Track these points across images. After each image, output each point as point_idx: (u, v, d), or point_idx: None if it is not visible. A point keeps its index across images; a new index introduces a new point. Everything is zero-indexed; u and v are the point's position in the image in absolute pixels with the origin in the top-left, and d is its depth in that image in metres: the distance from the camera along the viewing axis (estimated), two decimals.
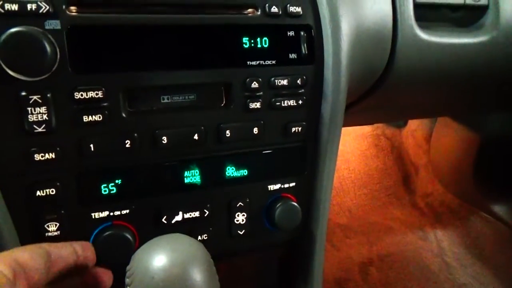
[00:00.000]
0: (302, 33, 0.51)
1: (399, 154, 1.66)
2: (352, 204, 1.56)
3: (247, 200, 0.54)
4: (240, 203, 0.53)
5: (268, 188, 0.55)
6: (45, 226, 0.45)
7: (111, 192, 0.47)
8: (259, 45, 0.50)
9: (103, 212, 0.47)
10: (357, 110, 0.72)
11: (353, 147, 1.67)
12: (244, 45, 0.49)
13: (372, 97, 0.67)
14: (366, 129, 1.70)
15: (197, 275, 0.36)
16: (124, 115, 0.45)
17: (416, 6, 0.61)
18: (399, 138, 1.66)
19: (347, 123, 0.63)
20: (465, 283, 1.23)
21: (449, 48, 0.64)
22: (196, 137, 0.48)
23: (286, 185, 0.56)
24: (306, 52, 0.52)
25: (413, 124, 1.57)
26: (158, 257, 0.36)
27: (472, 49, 0.66)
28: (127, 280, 0.37)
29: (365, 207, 1.57)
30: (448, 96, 0.79)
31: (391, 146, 1.68)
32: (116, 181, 0.48)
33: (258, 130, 0.51)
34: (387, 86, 0.65)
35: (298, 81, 0.52)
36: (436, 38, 0.63)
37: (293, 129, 0.53)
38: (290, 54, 0.51)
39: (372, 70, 0.61)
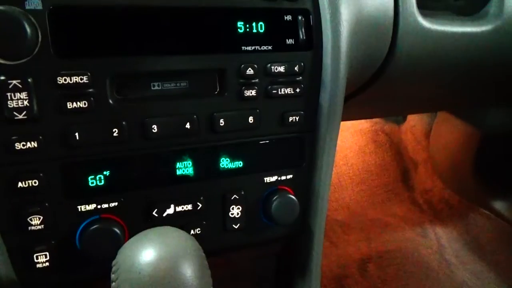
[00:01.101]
0: (299, 17, 0.49)
1: (398, 150, 1.64)
2: (351, 200, 1.55)
3: (242, 193, 0.51)
4: (235, 195, 0.51)
5: (264, 180, 0.53)
6: (28, 219, 0.42)
7: (99, 184, 0.45)
8: (254, 30, 0.47)
9: (90, 205, 0.45)
10: (356, 103, 0.70)
11: (352, 143, 1.65)
12: (239, 29, 0.47)
13: (371, 88, 0.64)
14: (364, 124, 1.68)
15: (188, 270, 0.34)
16: (111, 102, 0.43)
17: None
18: (398, 134, 1.64)
19: (345, 117, 0.60)
20: (464, 280, 1.22)
21: (452, 37, 0.62)
22: (188, 126, 0.46)
23: (283, 177, 0.53)
24: (304, 38, 0.49)
25: (412, 120, 1.55)
26: (145, 251, 0.34)
27: (475, 38, 0.64)
28: (112, 276, 0.34)
29: (363, 203, 1.55)
30: (448, 88, 0.77)
31: (390, 142, 1.66)
32: (104, 173, 0.45)
33: (253, 119, 0.49)
34: (388, 76, 0.62)
35: (295, 68, 0.49)
36: (438, 26, 0.61)
37: (290, 119, 0.51)
38: (287, 40, 0.49)
39: (372, 58, 0.58)
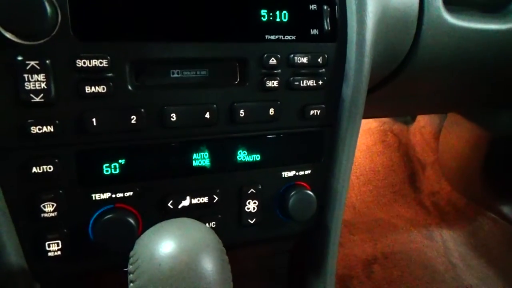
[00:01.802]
0: (325, 7, 0.47)
1: (406, 151, 1.63)
2: (357, 200, 1.53)
3: (259, 187, 0.50)
4: (251, 189, 0.50)
5: (282, 174, 0.51)
6: (41, 206, 0.41)
7: (114, 172, 0.44)
8: (278, 19, 0.46)
9: (105, 194, 0.43)
10: (374, 99, 0.68)
11: (359, 142, 1.63)
12: (262, 17, 0.45)
13: (391, 84, 0.63)
14: (373, 124, 1.67)
15: (208, 264, 0.32)
16: (130, 88, 0.42)
17: None
18: (407, 134, 1.63)
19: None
20: (471, 284, 1.20)
21: (476, 34, 0.60)
22: (207, 115, 0.45)
23: (301, 173, 0.52)
24: (329, 28, 0.48)
25: (422, 121, 1.53)
26: (165, 242, 0.33)
27: (499, 36, 0.62)
28: (130, 267, 0.33)
29: (369, 203, 1.54)
30: (466, 86, 0.75)
31: (398, 142, 1.64)
32: (120, 161, 0.44)
33: (274, 111, 0.47)
34: (409, 71, 0.61)
35: (319, 60, 0.48)
36: (463, 22, 0.59)
37: (311, 112, 0.49)
38: (311, 30, 0.47)
39: (395, 52, 0.57)
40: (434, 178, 1.50)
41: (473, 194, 1.37)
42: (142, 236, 0.35)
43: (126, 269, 0.33)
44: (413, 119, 1.58)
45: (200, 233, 0.34)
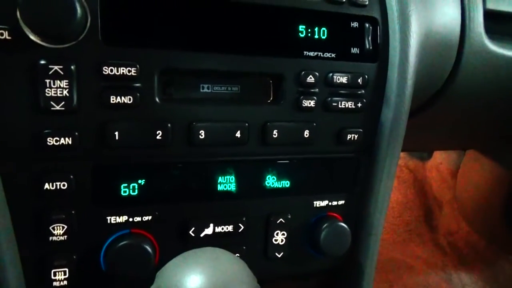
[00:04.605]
0: (367, 25, 0.44)
1: (422, 187, 1.57)
2: None
3: (289, 216, 0.45)
4: (280, 219, 0.45)
5: (313, 204, 0.46)
6: (50, 228, 0.36)
7: (132, 193, 0.39)
8: (316, 35, 0.43)
9: (121, 217, 0.39)
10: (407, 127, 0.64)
11: None
12: (300, 33, 0.42)
13: (427, 111, 0.59)
14: None
15: None
16: (158, 100, 0.38)
17: (486, 14, 0.55)
18: (423, 171, 1.58)
19: None
20: None
21: None
22: (238, 134, 0.41)
23: (334, 203, 0.47)
24: (370, 48, 0.45)
25: (439, 157, 1.49)
26: (193, 276, 0.28)
27: None
28: None
29: (384, 241, 1.47)
30: (499, 119, 0.71)
31: (414, 178, 1.59)
32: (139, 181, 0.40)
33: (309, 133, 0.43)
34: (447, 98, 0.57)
35: (359, 80, 0.44)
36: (506, 51, 0.56)
37: (349, 136, 0.45)
38: (352, 49, 0.44)
39: (435, 77, 0.54)
40: (452, 217, 1.45)
41: (493, 236, 1.31)
42: (166, 266, 0.30)
43: None
44: (430, 155, 1.54)
45: (233, 266, 0.30)
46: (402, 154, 1.61)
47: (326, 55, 0.43)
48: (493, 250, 1.31)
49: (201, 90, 0.41)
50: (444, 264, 1.36)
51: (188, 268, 0.28)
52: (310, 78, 0.42)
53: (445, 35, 0.51)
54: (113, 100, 0.36)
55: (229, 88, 0.42)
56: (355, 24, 0.44)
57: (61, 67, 0.34)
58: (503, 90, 0.61)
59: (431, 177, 1.54)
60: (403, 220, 1.53)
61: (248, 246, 0.44)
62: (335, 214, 0.47)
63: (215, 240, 0.42)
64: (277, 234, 0.45)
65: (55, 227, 0.37)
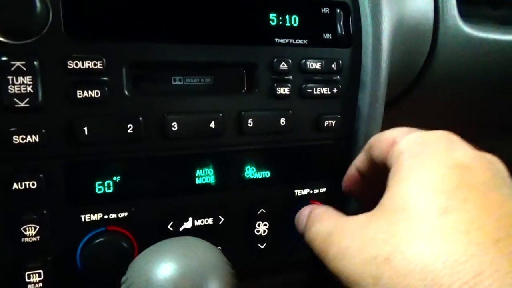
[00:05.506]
0: (337, 10, 0.44)
1: None
2: None
3: (270, 207, 0.45)
4: (261, 209, 0.44)
5: (294, 193, 0.46)
6: (21, 229, 0.36)
7: (107, 191, 0.39)
8: (288, 23, 0.43)
9: (96, 215, 0.38)
10: (387, 118, 0.64)
11: None
12: (271, 21, 0.42)
13: (407, 99, 0.59)
14: None
15: None
16: (127, 93, 0.37)
17: None
18: None
19: None
20: None
21: (495, 45, 0.57)
22: (212, 125, 0.40)
23: (316, 191, 0.47)
24: (343, 33, 0.45)
25: None
26: (164, 264, 0.27)
27: None
28: None
29: None
30: (482, 105, 0.71)
31: None
32: (114, 178, 0.39)
33: (285, 121, 0.43)
34: (424, 86, 0.57)
35: (332, 66, 0.44)
36: (480, 33, 0.56)
37: (326, 123, 0.45)
38: (324, 34, 0.44)
39: (412, 63, 0.54)
40: None
41: None
42: (137, 258, 0.29)
43: None
44: None
45: (206, 253, 0.29)
46: None
47: (298, 41, 0.43)
48: None
49: (173, 83, 0.41)
50: None
51: (158, 257, 0.28)
52: (283, 65, 0.42)
53: (419, 20, 0.51)
54: (80, 95, 0.35)
55: (202, 80, 0.42)
56: (325, 10, 0.44)
57: (23, 63, 0.33)
58: (484, 75, 0.61)
59: None
60: None
61: (230, 239, 0.43)
62: (317, 202, 0.47)
63: (195, 234, 0.41)
64: (259, 225, 0.44)
65: (27, 228, 0.36)
